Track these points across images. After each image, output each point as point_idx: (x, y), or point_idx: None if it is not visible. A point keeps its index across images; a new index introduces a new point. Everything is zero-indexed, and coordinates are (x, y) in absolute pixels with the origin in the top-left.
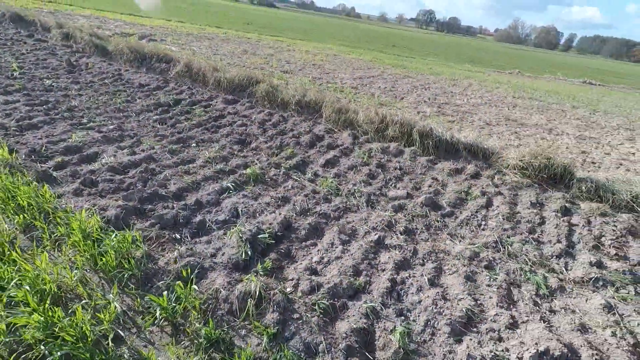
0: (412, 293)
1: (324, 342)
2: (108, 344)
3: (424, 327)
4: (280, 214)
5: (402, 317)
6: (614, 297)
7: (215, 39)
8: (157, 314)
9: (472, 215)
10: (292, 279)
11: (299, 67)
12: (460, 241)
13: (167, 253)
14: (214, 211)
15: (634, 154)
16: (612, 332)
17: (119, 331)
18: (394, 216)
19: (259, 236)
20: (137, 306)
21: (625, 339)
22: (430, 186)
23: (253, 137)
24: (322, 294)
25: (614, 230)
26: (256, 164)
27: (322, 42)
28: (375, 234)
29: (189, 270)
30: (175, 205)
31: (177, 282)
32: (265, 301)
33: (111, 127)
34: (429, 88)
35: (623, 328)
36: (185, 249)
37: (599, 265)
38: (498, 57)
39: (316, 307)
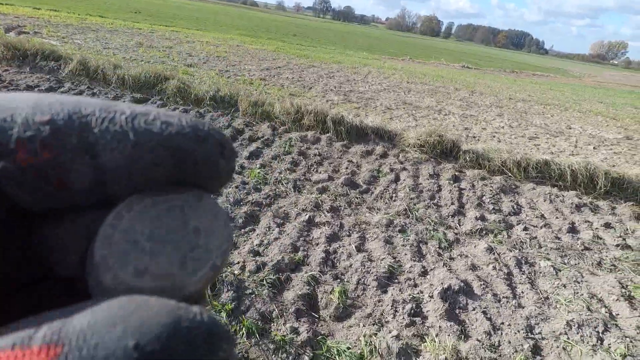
0: (344, 259)
1: (276, 309)
2: None
3: (356, 285)
4: None
5: (338, 280)
6: (493, 242)
7: (102, 31)
8: None
9: (384, 189)
10: (238, 262)
11: (202, 60)
12: (377, 212)
13: None
14: None
15: (503, 127)
16: (492, 267)
17: None
18: (319, 197)
19: None
20: None
21: (502, 271)
22: (347, 168)
23: None
24: (268, 270)
25: (491, 190)
26: None
27: (222, 32)
28: (306, 215)
29: None
30: None
31: None
32: (219, 283)
33: None
34: (333, 77)
35: (500, 263)
36: None
37: (482, 218)
38: (391, 45)
39: (264, 282)
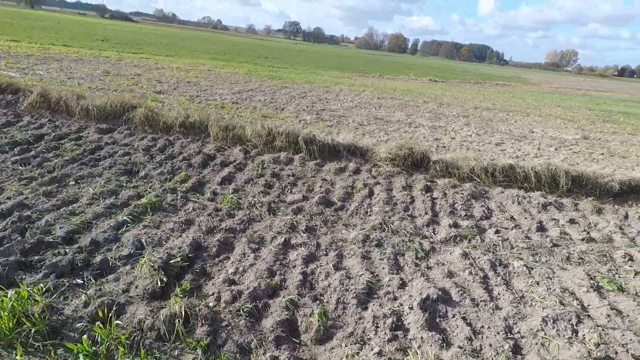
0: (322, 279)
1: (254, 339)
2: None
3: (336, 304)
4: (187, 236)
5: (317, 301)
6: (468, 247)
7: (66, 60)
8: None
9: (359, 205)
10: (213, 293)
11: (172, 86)
12: (353, 228)
13: (72, 301)
14: (114, 248)
15: (470, 135)
16: (469, 272)
17: None
18: (294, 218)
19: (171, 261)
20: None
21: (478, 275)
22: (321, 186)
23: (140, 166)
24: (244, 299)
25: (462, 197)
26: (150, 192)
27: (193, 57)
28: (282, 237)
29: (105, 310)
30: (68, 250)
31: (97, 324)
32: (193, 318)
33: None
34: (305, 97)
35: (475, 267)
36: (93, 291)
37: (455, 225)
38: (361, 63)
39: (241, 311)
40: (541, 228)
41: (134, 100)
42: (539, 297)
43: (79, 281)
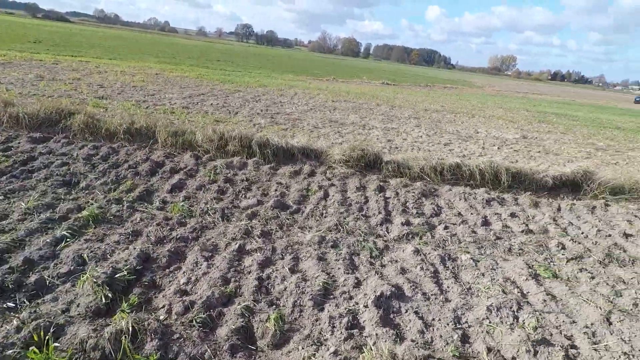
0: (278, 284)
1: (208, 350)
2: None
3: (292, 308)
4: (135, 248)
5: (274, 306)
6: (419, 244)
7: None
8: None
9: (314, 207)
10: (164, 306)
11: (117, 91)
12: (309, 231)
13: (2, 326)
14: (52, 266)
15: (421, 136)
16: (420, 267)
17: None
18: (249, 223)
19: (117, 276)
20: None
21: (429, 270)
22: (276, 190)
23: (81, 176)
24: (197, 309)
25: (413, 195)
26: (92, 203)
27: (139, 60)
28: (236, 243)
29: (41, 333)
30: None
31: (31, 349)
32: (141, 333)
33: None
34: (259, 100)
35: (427, 263)
36: (27, 314)
37: (407, 223)
38: (315, 66)
39: (194, 322)
40: (486, 222)
41: (72, 106)
42: (484, 287)
43: (10, 304)
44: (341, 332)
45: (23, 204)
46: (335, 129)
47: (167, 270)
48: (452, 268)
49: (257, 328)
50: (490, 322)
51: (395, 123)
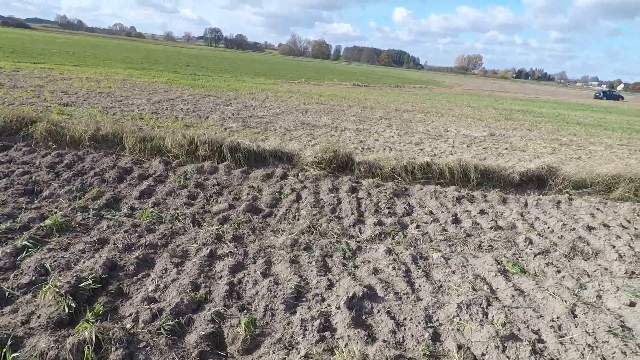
0: (250, 288)
1: (176, 357)
2: None
3: (264, 312)
4: (101, 256)
5: (245, 311)
6: (392, 244)
7: None
8: None
9: (287, 210)
10: (130, 314)
11: (82, 98)
12: (282, 234)
13: None
14: (12, 277)
15: (393, 137)
16: (392, 267)
17: None
18: (220, 228)
19: (81, 285)
20: None
21: (401, 269)
22: (248, 194)
23: (44, 185)
24: (165, 317)
25: (385, 195)
26: (56, 212)
27: (105, 66)
28: (207, 249)
29: None
30: None
31: None
32: (105, 343)
33: None
34: (230, 104)
35: (399, 262)
36: None
37: (380, 223)
38: (286, 69)
39: (162, 330)
40: (456, 220)
41: (34, 114)
42: (455, 285)
43: None
44: (313, 335)
45: None
46: (308, 132)
47: (135, 277)
48: (424, 267)
49: (228, 334)
50: (460, 320)
51: (367, 124)
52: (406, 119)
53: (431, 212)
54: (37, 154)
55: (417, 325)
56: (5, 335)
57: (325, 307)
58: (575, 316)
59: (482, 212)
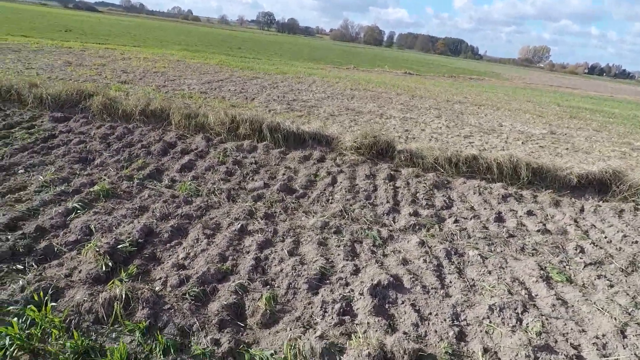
0: (275, 265)
1: (197, 322)
2: None
3: (286, 289)
4: (139, 222)
5: (268, 286)
6: (426, 236)
7: (24, 51)
8: (8, 344)
9: (321, 193)
10: (160, 278)
11: (138, 77)
12: (313, 216)
13: (9, 286)
14: (61, 234)
15: (440, 128)
16: (423, 260)
17: None
18: (254, 205)
19: (119, 246)
20: None
21: (432, 263)
22: (284, 174)
23: (96, 154)
24: (192, 283)
25: (424, 186)
26: (105, 179)
27: (162, 47)
28: (238, 223)
29: (42, 293)
30: (9, 237)
31: (29, 306)
32: (134, 301)
33: None
34: (277, 87)
35: (430, 256)
36: (32, 276)
37: (416, 214)
38: (336, 55)
39: (187, 295)
40: (499, 219)
41: (91, 88)
42: (489, 286)
43: (19, 267)
44: (332, 318)
45: (41, 177)
46: (351, 117)
47: (168, 245)
48: (458, 263)
49: (249, 306)
50: (490, 322)
51: (415, 113)
52: (457, 110)
53: (472, 208)
54: (92, 126)
55: (442, 322)
56: (48, 285)
57: (348, 292)
58: (624, 336)
59: (529, 213)
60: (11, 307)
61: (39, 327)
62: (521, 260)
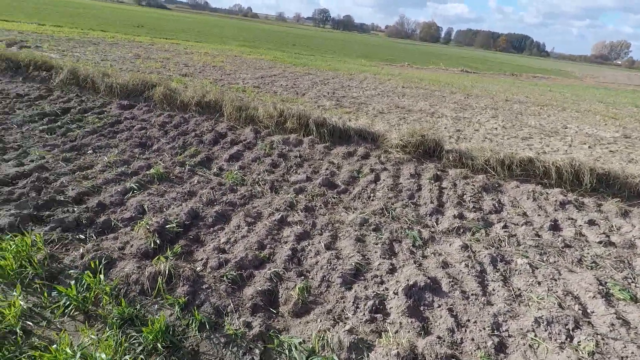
0: (311, 257)
1: (231, 304)
2: (16, 337)
3: (320, 281)
4: (187, 205)
5: (302, 277)
6: (470, 240)
7: (102, 44)
8: (67, 303)
9: (363, 189)
10: (201, 259)
11: (198, 70)
12: (353, 212)
13: (71, 252)
14: (119, 211)
15: (496, 128)
16: (465, 264)
17: (28, 324)
18: (295, 197)
19: (167, 226)
20: (44, 302)
21: (474, 268)
22: (327, 169)
23: (154, 140)
24: (230, 267)
25: (472, 189)
26: (160, 164)
27: (222, 43)
28: (279, 214)
29: (97, 262)
30: (76, 209)
31: (86, 272)
32: (175, 278)
33: None
34: (328, 83)
35: (473, 260)
36: (91, 245)
37: (461, 216)
38: (389, 52)
39: (224, 278)
40: (555, 227)
41: (155, 79)
42: (537, 297)
43: (81, 236)
44: (364, 314)
45: (106, 159)
46: (401, 115)
47: (211, 229)
48: (503, 271)
49: (282, 294)
50: (536, 336)
51: (469, 112)
52: (516, 110)
53: (525, 214)
54: (153, 114)
55: (480, 330)
56: (103, 255)
57: (383, 290)
58: None
59: (591, 222)
60: (72, 271)
61: (92, 292)
62: (577, 273)
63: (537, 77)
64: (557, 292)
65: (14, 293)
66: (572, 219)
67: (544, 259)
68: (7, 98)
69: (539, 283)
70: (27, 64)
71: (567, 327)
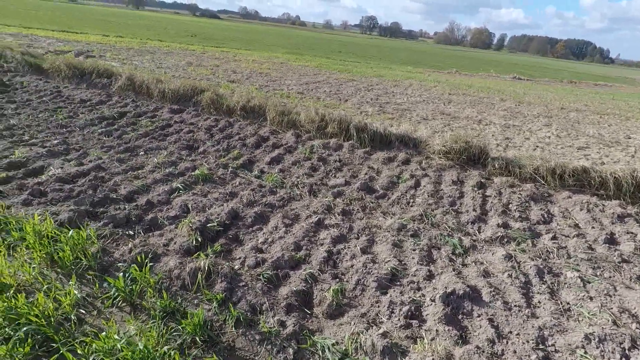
0: (346, 260)
1: (267, 302)
2: (70, 324)
3: (355, 285)
4: (228, 206)
5: (337, 280)
6: (515, 250)
7: (158, 53)
8: (115, 295)
9: (402, 195)
10: (239, 258)
11: (245, 77)
12: (391, 217)
13: (121, 247)
14: (165, 209)
15: (549, 137)
16: (508, 274)
17: (81, 312)
18: (333, 201)
19: (208, 225)
20: (95, 292)
21: (518, 279)
22: (366, 174)
23: (200, 142)
24: (267, 266)
25: (519, 198)
26: (204, 165)
27: (269, 51)
28: (316, 217)
29: (143, 256)
30: (126, 207)
31: (133, 266)
32: (214, 275)
33: (55, 142)
34: (372, 90)
35: (517, 271)
36: (138, 241)
37: (505, 226)
38: (437, 58)
39: (261, 277)
40: (611, 240)
41: (204, 85)
42: (588, 312)
43: (131, 232)
44: (399, 319)
45: (155, 160)
46: (445, 122)
47: (250, 229)
48: (551, 283)
49: (316, 295)
50: (586, 352)
51: (519, 120)
52: (573, 119)
53: (577, 226)
54: (200, 118)
55: (524, 343)
56: (149, 250)
57: (419, 297)
58: None
59: None
60: (120, 264)
61: (138, 285)
62: (636, 290)
63: (599, 84)
64: (611, 308)
65: (70, 282)
66: (632, 233)
67: (598, 274)
68: (72, 103)
69: (591, 298)
70: (91, 72)
71: (622, 345)
